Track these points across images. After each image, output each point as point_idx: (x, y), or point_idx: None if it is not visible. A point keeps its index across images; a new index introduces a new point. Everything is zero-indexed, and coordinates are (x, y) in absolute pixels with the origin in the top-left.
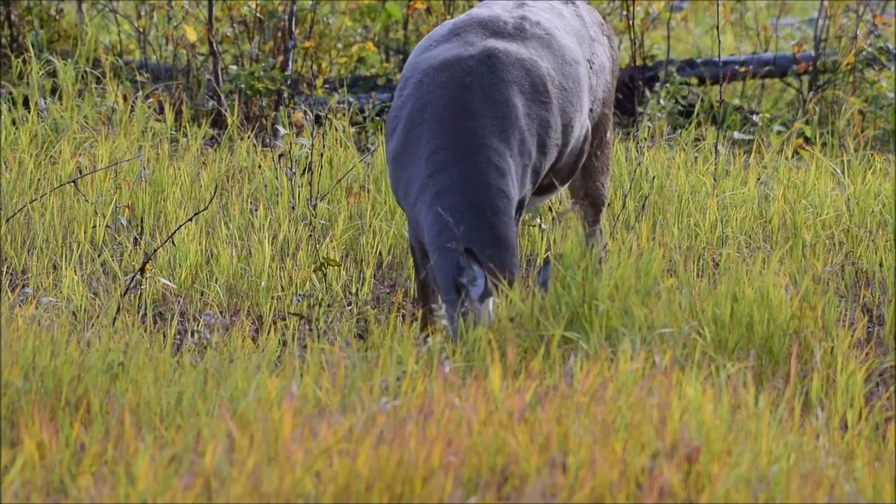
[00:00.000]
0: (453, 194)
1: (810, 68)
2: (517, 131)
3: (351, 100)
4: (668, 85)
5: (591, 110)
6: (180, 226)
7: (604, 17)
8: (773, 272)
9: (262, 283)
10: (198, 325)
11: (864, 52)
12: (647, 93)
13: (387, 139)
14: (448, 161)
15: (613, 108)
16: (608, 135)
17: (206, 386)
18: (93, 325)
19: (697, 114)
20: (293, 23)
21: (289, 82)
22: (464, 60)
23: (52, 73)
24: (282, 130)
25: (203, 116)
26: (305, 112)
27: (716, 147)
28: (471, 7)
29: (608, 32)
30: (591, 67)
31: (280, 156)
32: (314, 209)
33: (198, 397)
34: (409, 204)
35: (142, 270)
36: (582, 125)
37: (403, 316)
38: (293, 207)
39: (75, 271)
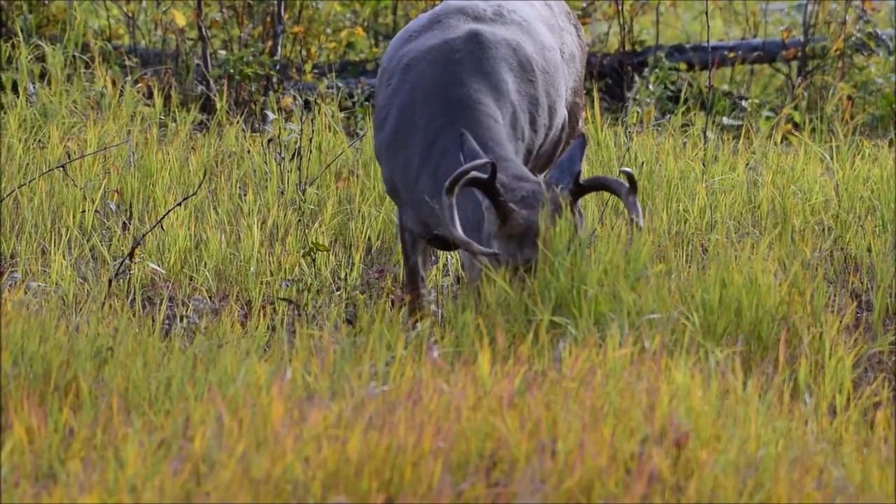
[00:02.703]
0: (456, 151)
1: (799, 54)
2: (509, 104)
3: (340, 85)
4: (657, 70)
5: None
6: (169, 210)
7: (594, 2)
8: (762, 258)
9: (251, 268)
10: (187, 310)
11: (853, 38)
12: (636, 78)
13: (376, 132)
14: (445, 125)
15: (602, 92)
16: (580, 124)
17: (196, 371)
18: (81, 309)
19: (686, 99)
20: (282, 7)
21: (278, 67)
22: (451, 41)
23: (41, 58)
24: (271, 115)
25: (192, 101)
26: (294, 97)
27: (704, 132)
28: None
29: (574, 21)
30: (562, 57)
31: (269, 141)
32: (303, 194)
33: (187, 382)
34: (409, 185)
35: (130, 255)
36: (562, 113)
37: (392, 301)
38: (282, 192)
39: (64, 256)
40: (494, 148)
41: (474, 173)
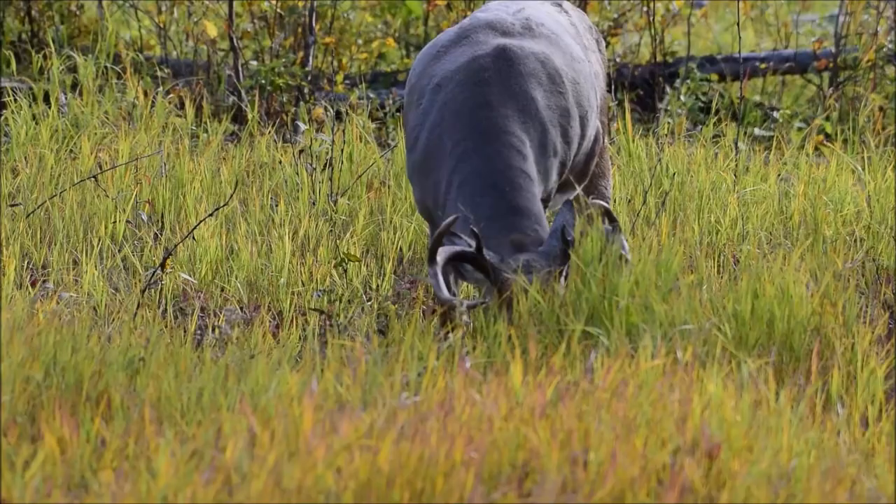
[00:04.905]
0: (475, 181)
1: (831, 65)
2: (538, 123)
3: (371, 95)
4: (688, 81)
5: None
6: (201, 221)
7: (625, 13)
8: (794, 269)
9: (283, 278)
10: (218, 321)
11: (884, 49)
12: (668, 89)
13: (409, 152)
14: (469, 151)
15: (633, 104)
16: (604, 140)
17: (227, 381)
18: (113, 320)
19: (718, 110)
20: (313, 18)
21: (309, 78)
22: (479, 58)
23: (73, 69)
24: (302, 126)
25: (223, 112)
26: (326, 108)
27: (736, 143)
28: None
29: (596, 35)
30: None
31: (300, 151)
32: (334, 205)
33: (219, 392)
34: (440, 206)
35: (162, 266)
36: (594, 124)
37: (424, 311)
38: (313, 203)
39: (96, 266)
40: (509, 193)
41: (461, 249)
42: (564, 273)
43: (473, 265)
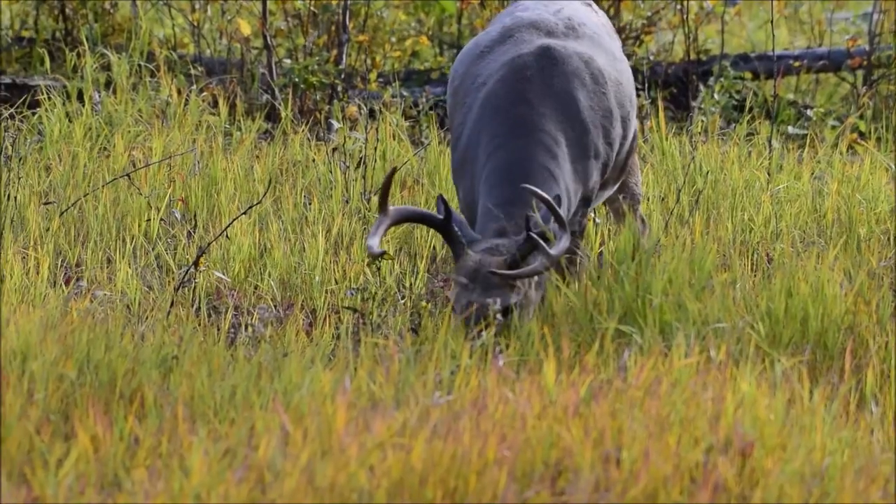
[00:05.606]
0: (495, 173)
1: (865, 63)
2: (578, 124)
3: (405, 93)
4: (722, 79)
5: None
6: (234, 219)
7: (659, 11)
8: (828, 267)
9: (316, 276)
10: (252, 319)
11: None
12: (701, 87)
13: (453, 151)
14: (499, 146)
15: (667, 102)
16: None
17: (260, 379)
18: (147, 318)
19: (751, 108)
20: (347, 16)
21: (343, 76)
22: (522, 56)
23: (107, 67)
24: (335, 124)
25: (257, 110)
26: (359, 106)
27: (770, 141)
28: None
29: (615, 36)
30: None
31: (334, 149)
32: (368, 203)
33: (252, 391)
34: (476, 203)
35: (196, 264)
36: (634, 123)
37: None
38: (347, 201)
39: (129, 265)
40: (520, 184)
41: (425, 211)
42: (545, 266)
43: (441, 234)
